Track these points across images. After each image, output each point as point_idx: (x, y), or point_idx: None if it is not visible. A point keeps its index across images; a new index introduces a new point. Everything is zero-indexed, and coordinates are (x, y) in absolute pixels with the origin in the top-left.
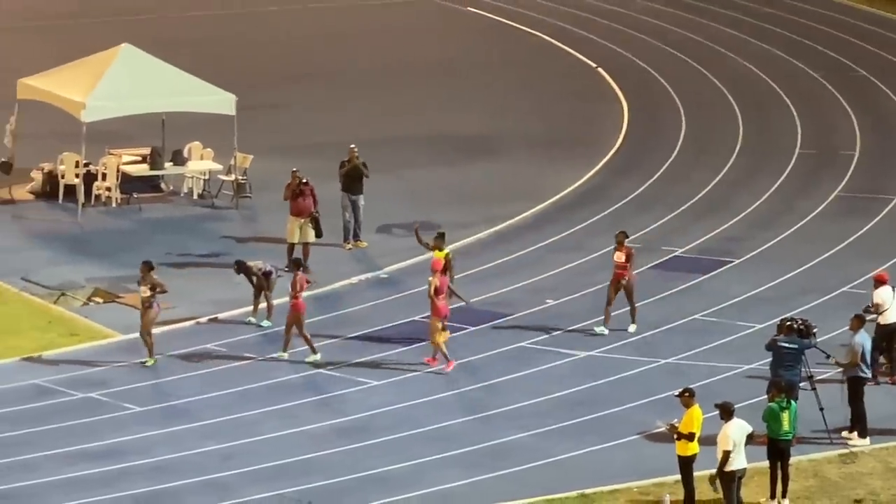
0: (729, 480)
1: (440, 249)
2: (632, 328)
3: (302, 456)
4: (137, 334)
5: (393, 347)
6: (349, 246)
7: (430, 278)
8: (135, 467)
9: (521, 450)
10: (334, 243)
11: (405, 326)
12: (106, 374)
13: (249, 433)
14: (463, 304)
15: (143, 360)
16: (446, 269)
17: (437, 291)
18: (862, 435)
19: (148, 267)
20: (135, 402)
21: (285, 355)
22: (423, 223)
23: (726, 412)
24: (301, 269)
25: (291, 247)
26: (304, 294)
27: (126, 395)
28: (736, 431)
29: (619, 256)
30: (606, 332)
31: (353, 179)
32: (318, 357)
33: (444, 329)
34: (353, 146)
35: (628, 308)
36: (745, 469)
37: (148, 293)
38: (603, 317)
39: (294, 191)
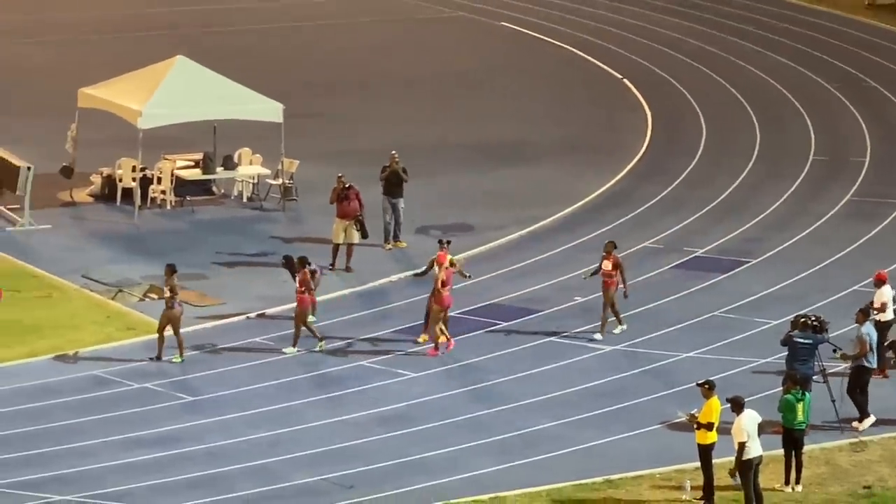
0: (747, 469)
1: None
2: (617, 330)
3: (344, 443)
4: (192, 328)
5: (431, 341)
6: (389, 246)
7: (437, 271)
8: (188, 453)
9: (551, 438)
10: (376, 244)
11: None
12: (160, 365)
13: (295, 422)
14: (467, 277)
15: (171, 357)
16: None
17: (444, 284)
18: (860, 421)
19: (171, 270)
20: (187, 392)
21: (294, 350)
22: (458, 225)
23: (737, 405)
24: (308, 266)
25: (336, 247)
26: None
27: (179, 386)
28: (748, 422)
29: (607, 265)
30: (601, 338)
31: (393, 184)
32: (323, 344)
33: (445, 319)
34: (394, 152)
35: (616, 314)
36: (761, 456)
37: (168, 294)
38: (599, 323)
39: (339, 194)
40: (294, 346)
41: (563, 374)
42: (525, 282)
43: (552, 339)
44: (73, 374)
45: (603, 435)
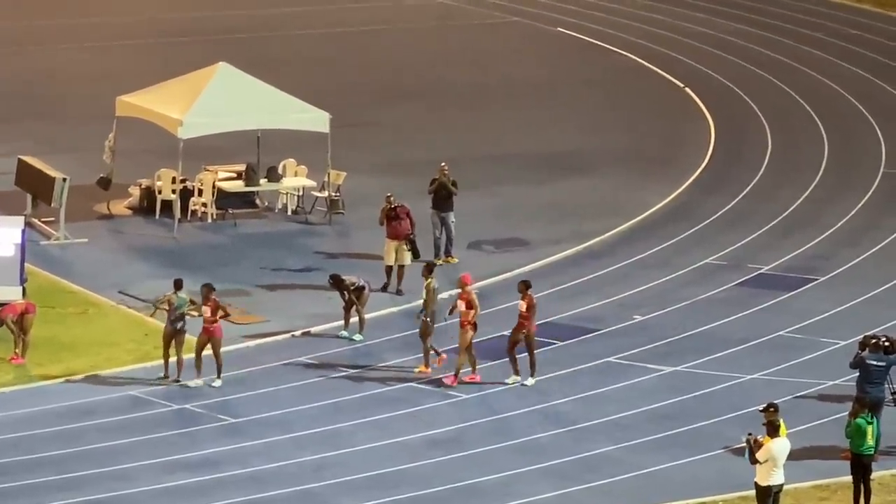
0: (765, 495)
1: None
2: (529, 381)
3: (394, 467)
4: (233, 346)
5: (483, 361)
6: (440, 262)
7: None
8: (230, 477)
9: (610, 462)
10: (427, 260)
11: (496, 341)
12: (201, 386)
13: (342, 444)
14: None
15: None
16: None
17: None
18: None
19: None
20: (229, 414)
21: (200, 382)
22: (512, 239)
23: (773, 429)
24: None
25: (389, 269)
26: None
27: (220, 407)
28: (779, 450)
29: (521, 306)
30: (519, 379)
31: (442, 197)
32: (199, 382)
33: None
34: (443, 164)
35: (514, 361)
36: (781, 485)
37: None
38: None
39: (388, 214)
40: (218, 376)
41: (623, 396)
42: (582, 299)
43: (610, 359)
44: (110, 395)
45: (664, 459)
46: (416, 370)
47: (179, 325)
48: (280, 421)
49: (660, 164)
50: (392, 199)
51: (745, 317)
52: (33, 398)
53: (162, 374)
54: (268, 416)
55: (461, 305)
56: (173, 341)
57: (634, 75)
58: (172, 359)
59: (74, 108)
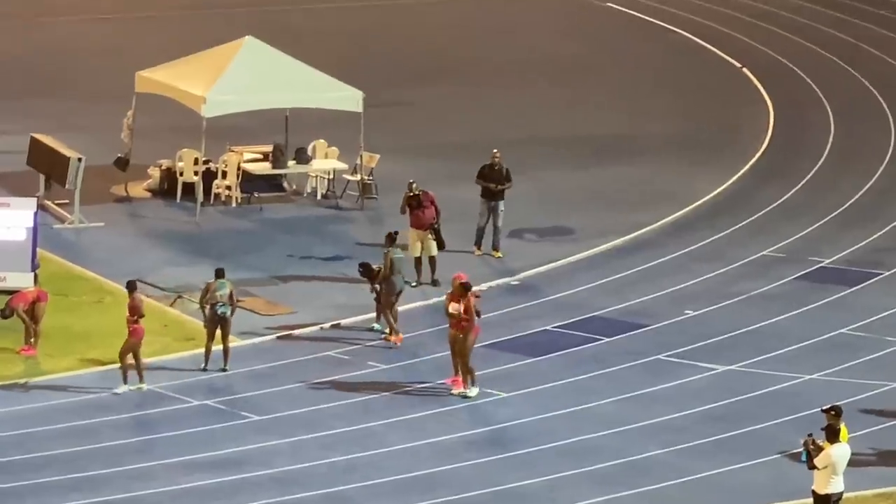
0: (824, 503)
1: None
2: (473, 392)
3: (428, 469)
4: (259, 339)
5: (524, 357)
6: (479, 252)
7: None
8: (254, 478)
9: (660, 466)
10: (464, 249)
11: (538, 336)
12: (223, 380)
13: (373, 445)
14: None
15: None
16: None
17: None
18: None
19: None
20: (253, 411)
21: (126, 387)
22: (555, 228)
23: (833, 434)
24: (135, 290)
25: (418, 261)
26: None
27: (244, 403)
28: (839, 456)
29: (455, 308)
30: (477, 391)
31: (491, 182)
32: (127, 388)
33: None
34: (496, 151)
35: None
36: (841, 493)
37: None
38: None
39: (410, 202)
40: (141, 381)
41: (674, 396)
42: (630, 293)
43: (660, 356)
44: (127, 389)
45: (717, 464)
46: (389, 338)
47: (222, 311)
48: (307, 419)
49: (714, 150)
50: (414, 185)
51: (804, 313)
52: (44, 392)
53: (203, 365)
54: (294, 414)
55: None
56: (218, 329)
57: (688, 54)
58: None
59: (91, 83)
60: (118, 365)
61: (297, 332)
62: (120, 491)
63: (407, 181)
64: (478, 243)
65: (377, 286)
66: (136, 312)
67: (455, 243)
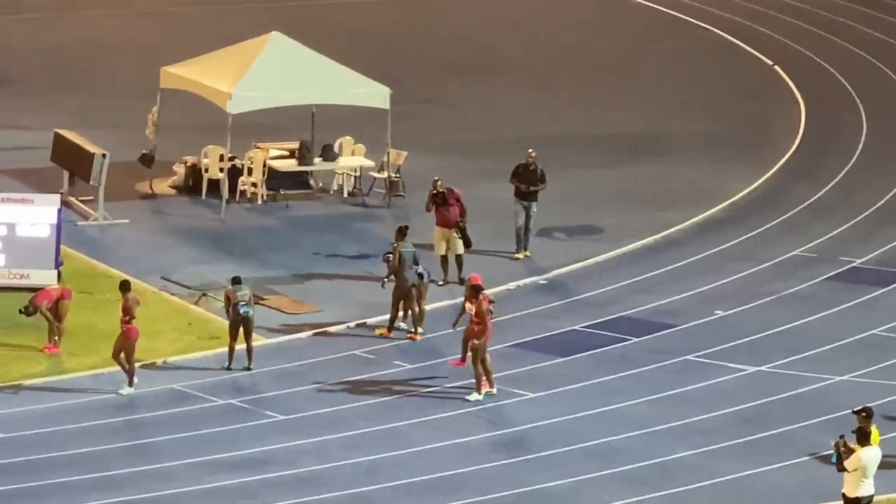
0: None
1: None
2: (473, 397)
3: (454, 470)
4: (284, 337)
5: (552, 357)
6: (520, 256)
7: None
8: (278, 478)
9: (688, 468)
10: (502, 252)
11: (566, 335)
12: (248, 379)
13: (398, 445)
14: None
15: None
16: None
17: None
18: None
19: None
20: (278, 410)
21: (131, 390)
22: (584, 227)
23: (864, 437)
24: (129, 291)
25: (443, 259)
26: None
27: (269, 403)
28: (869, 460)
29: (469, 308)
30: (478, 397)
31: (525, 182)
32: (131, 391)
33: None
34: (530, 150)
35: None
36: (872, 496)
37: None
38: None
39: (435, 200)
40: (130, 385)
41: (703, 397)
42: (660, 293)
43: (690, 357)
44: (150, 388)
45: (746, 466)
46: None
47: (244, 310)
48: (332, 419)
49: (745, 149)
50: (439, 182)
51: (836, 313)
52: (67, 390)
53: (227, 364)
54: (319, 414)
55: (469, 309)
56: (241, 329)
57: (719, 52)
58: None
59: (115, 78)
60: (116, 367)
61: (325, 329)
62: (142, 491)
63: (443, 174)
64: (518, 247)
65: (385, 279)
66: (128, 313)
67: (482, 242)
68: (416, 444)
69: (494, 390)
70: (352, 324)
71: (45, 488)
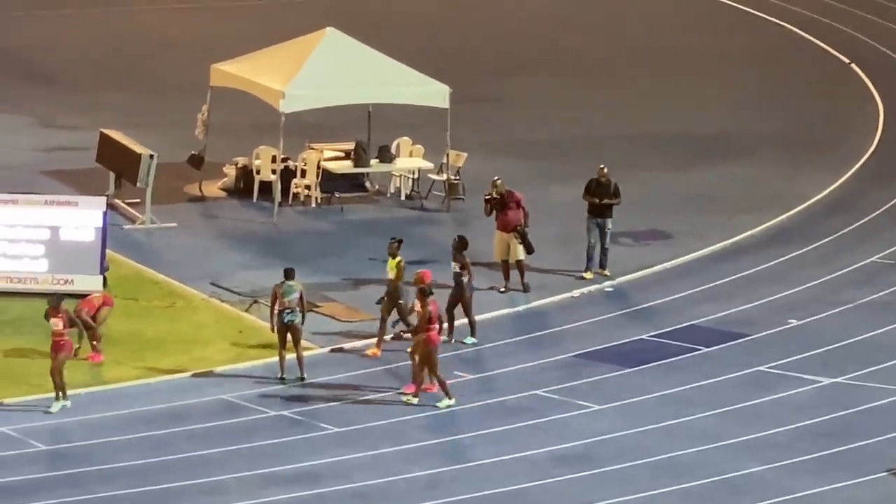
0: None
1: (394, 256)
2: (443, 403)
3: (516, 485)
4: (335, 348)
5: (618, 368)
6: (589, 275)
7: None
8: (332, 493)
9: (759, 484)
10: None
11: (633, 345)
12: (301, 390)
13: (458, 459)
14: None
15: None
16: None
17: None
18: None
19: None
20: (332, 422)
21: (67, 404)
22: (652, 232)
23: None
24: (59, 307)
25: (504, 264)
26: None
27: (322, 414)
28: None
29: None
30: (448, 402)
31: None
32: (67, 404)
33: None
34: (602, 166)
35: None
36: None
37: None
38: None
39: (493, 203)
40: (62, 398)
41: (775, 410)
42: (730, 301)
43: (761, 368)
44: (199, 398)
45: (820, 482)
46: (369, 352)
47: (289, 318)
48: (388, 431)
49: (820, 150)
50: (499, 182)
51: None
52: (112, 401)
53: (279, 375)
54: (374, 426)
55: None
56: (288, 336)
57: (793, 48)
58: (291, 355)
59: (164, 76)
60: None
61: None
62: None
63: (505, 177)
64: (588, 267)
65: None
66: (67, 327)
67: (543, 248)
68: (477, 457)
69: (416, 401)
70: (406, 333)
71: (93, 501)
